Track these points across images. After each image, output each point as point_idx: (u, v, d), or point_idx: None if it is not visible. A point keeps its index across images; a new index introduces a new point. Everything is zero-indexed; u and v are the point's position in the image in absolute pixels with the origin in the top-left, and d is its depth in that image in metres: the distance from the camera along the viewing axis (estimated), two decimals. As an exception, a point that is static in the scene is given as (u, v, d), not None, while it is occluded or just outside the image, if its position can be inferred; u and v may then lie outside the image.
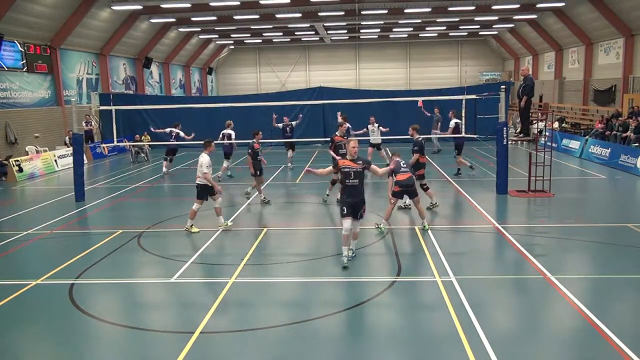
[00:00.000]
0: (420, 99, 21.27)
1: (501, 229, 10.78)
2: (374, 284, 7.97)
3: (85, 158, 19.31)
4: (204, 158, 10.93)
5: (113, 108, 17.36)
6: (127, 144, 23.81)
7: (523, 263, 8.77)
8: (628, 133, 19.85)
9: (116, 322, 7.01)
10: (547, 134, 18.17)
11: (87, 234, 11.80)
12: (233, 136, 16.83)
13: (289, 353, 6.07)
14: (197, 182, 11.07)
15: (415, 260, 9.02)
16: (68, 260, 9.34)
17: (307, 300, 7.67)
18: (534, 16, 33.74)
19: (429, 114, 21.82)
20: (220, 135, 16.82)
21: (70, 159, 18.09)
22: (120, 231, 11.27)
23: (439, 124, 21.83)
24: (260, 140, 13.87)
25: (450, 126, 17.15)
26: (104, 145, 25.27)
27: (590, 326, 6.41)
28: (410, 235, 10.53)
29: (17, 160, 19.48)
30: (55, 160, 21.61)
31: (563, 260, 9.04)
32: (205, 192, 11.06)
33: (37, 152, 22.21)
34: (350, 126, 16.42)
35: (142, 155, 23.02)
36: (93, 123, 25.63)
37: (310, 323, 6.75)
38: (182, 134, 17.85)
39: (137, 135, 23.88)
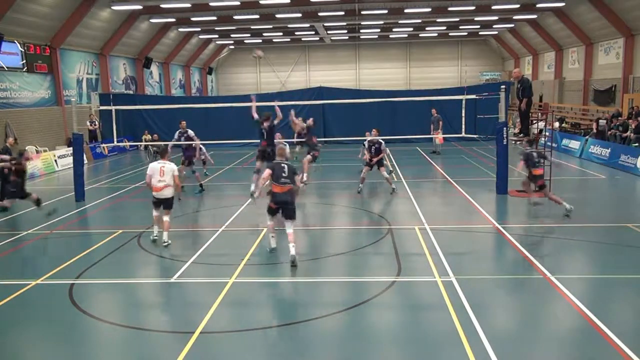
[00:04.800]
0: (440, 136, 21.06)
1: (501, 229, 10.77)
2: (374, 284, 7.97)
3: (85, 158, 19.29)
4: None
5: (113, 108, 17.37)
6: (127, 143, 23.75)
7: (523, 263, 8.77)
8: (628, 133, 19.84)
9: (116, 322, 7.01)
10: (547, 134, 18.16)
11: (87, 234, 11.81)
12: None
13: (289, 353, 6.07)
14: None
15: (415, 260, 9.01)
16: (68, 260, 9.34)
17: (307, 300, 7.68)
18: (534, 16, 33.73)
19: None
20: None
21: (70, 159, 18.08)
22: (120, 231, 11.27)
23: (440, 123, 21.96)
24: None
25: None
26: (103, 145, 25.26)
27: (590, 326, 6.41)
28: (410, 235, 10.53)
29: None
30: (55, 160, 21.60)
31: (563, 260, 9.04)
32: None
33: (37, 152, 22.19)
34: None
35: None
36: (97, 122, 25.61)
37: (310, 323, 6.75)
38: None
39: (156, 135, 23.98)
